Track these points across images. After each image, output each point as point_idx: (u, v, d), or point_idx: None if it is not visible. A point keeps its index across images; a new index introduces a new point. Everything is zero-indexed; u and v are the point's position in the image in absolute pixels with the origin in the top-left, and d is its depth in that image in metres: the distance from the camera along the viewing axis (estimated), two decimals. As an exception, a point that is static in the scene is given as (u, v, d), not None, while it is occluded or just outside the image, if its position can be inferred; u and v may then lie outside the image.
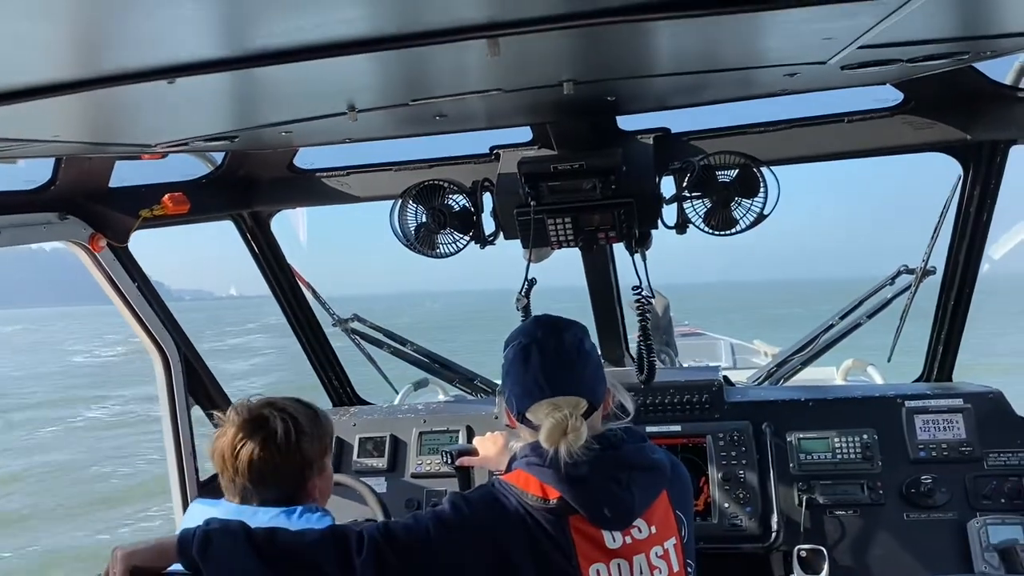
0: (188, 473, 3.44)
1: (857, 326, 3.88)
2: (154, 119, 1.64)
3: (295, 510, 2.31)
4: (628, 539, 2.12)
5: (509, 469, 2.26)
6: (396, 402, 4.68)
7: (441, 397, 4.94)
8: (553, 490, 2.09)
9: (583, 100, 2.39)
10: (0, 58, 1.13)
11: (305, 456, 2.33)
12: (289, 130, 2.19)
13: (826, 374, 5.18)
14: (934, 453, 3.27)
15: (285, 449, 2.28)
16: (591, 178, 2.84)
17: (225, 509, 2.29)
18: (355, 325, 4.27)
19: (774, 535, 3.19)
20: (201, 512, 2.23)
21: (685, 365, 5.82)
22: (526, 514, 2.08)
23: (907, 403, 3.37)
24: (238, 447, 2.26)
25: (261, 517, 2.18)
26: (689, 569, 2.26)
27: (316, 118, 1.84)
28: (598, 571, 2.08)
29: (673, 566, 2.19)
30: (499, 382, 4.05)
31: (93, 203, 2.87)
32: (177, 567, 2.04)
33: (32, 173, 2.70)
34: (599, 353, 2.27)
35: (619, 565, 2.10)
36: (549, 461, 2.09)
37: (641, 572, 2.12)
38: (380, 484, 3.60)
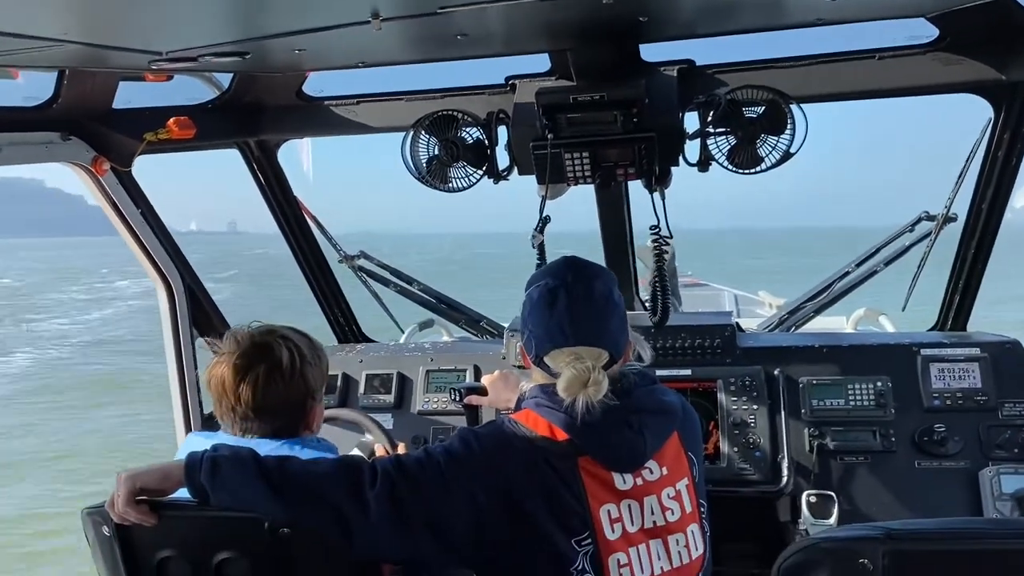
0: (192, 406, 3.41)
1: (873, 273, 3.82)
2: (164, 20, 1.54)
3: (298, 441, 2.27)
4: (639, 480, 2.10)
5: (518, 408, 2.22)
6: (401, 341, 4.65)
7: (446, 338, 4.90)
8: (561, 431, 2.05)
9: (609, 21, 2.29)
10: None
11: (308, 384, 2.28)
12: (303, 47, 2.09)
13: (836, 323, 5.13)
14: (948, 402, 3.23)
15: (290, 377, 2.23)
16: (612, 110, 2.75)
17: (225, 439, 2.24)
18: (362, 262, 4.21)
19: (784, 480, 3.17)
20: (198, 443, 2.18)
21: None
22: (535, 452, 2.05)
23: (923, 351, 3.32)
24: (241, 375, 2.20)
25: (264, 448, 2.13)
26: (702, 509, 2.24)
27: (336, 27, 1.74)
28: (608, 512, 2.06)
29: (686, 506, 2.17)
30: (505, 324, 4.03)
31: (96, 124, 2.77)
32: (182, 493, 2.01)
33: (33, 90, 2.60)
34: (624, 303, 2.21)
35: (629, 506, 2.08)
36: (565, 409, 2.04)
37: (652, 512, 2.10)
38: (387, 420, 3.58)
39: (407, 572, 2.15)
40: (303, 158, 4.35)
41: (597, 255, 3.54)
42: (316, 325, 3.14)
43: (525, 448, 2.05)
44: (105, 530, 2.02)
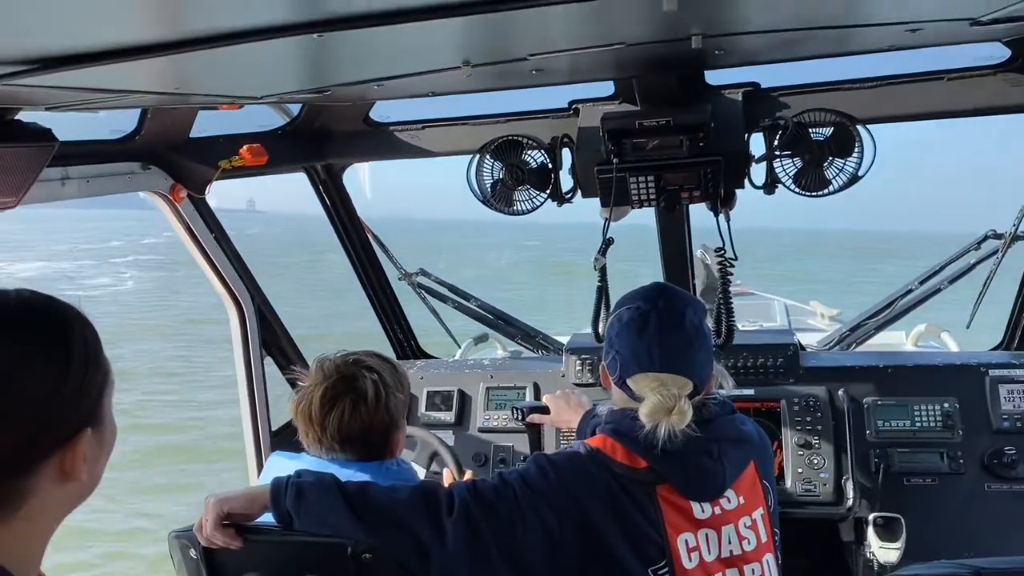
0: (262, 423, 3.49)
1: (937, 291, 3.77)
2: (261, 70, 1.61)
3: (380, 464, 2.31)
4: (717, 509, 2.10)
5: (592, 432, 2.24)
6: (457, 356, 4.69)
7: (500, 352, 4.93)
8: (640, 459, 2.07)
9: (676, 54, 2.31)
10: (100, 17, 1.10)
11: (392, 415, 2.31)
12: (382, 84, 2.14)
13: (895, 338, 5.06)
14: (1019, 423, 3.18)
15: (375, 410, 2.26)
16: (678, 135, 2.76)
17: (308, 462, 2.30)
18: (420, 279, 4.26)
19: (849, 501, 3.14)
20: (281, 465, 2.24)
21: (741, 327, 5.71)
22: (612, 480, 2.06)
23: (991, 372, 3.27)
24: (327, 408, 2.24)
25: (345, 473, 2.18)
26: (776, 539, 2.24)
27: (426, 73, 1.79)
28: (686, 541, 2.06)
29: (761, 536, 2.17)
30: (563, 340, 4.06)
31: (174, 154, 2.86)
32: (267, 518, 2.07)
33: (117, 124, 2.69)
34: (711, 336, 2.22)
35: (707, 535, 2.08)
36: (645, 435, 2.05)
37: (729, 542, 2.10)
38: (447, 437, 3.62)
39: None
40: (363, 181, 4.42)
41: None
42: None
43: (602, 475, 2.06)
44: (192, 553, 2.09)
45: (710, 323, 3.06)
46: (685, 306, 2.15)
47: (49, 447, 1.04)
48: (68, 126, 2.54)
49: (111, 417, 1.15)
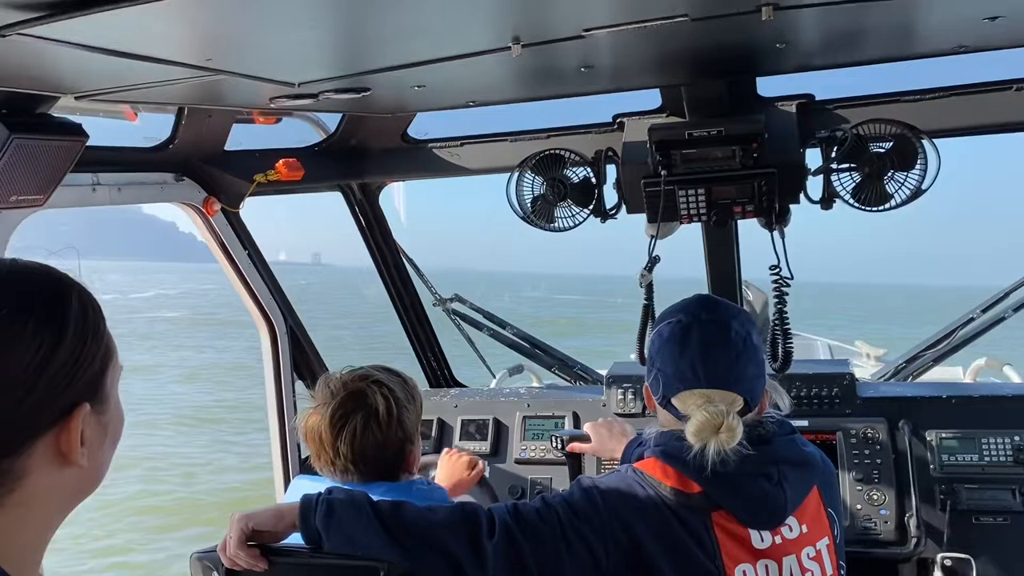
0: (291, 448, 3.37)
1: (1000, 320, 3.58)
2: (301, 50, 1.52)
3: (410, 484, 2.18)
4: (778, 539, 1.93)
5: (640, 456, 2.08)
6: (492, 386, 4.55)
7: (535, 384, 4.78)
8: (693, 483, 1.91)
9: (726, 49, 2.20)
10: None
11: (406, 430, 2.20)
12: (423, 82, 2.05)
13: (952, 374, 4.83)
14: None
15: (387, 425, 2.15)
16: (730, 145, 2.64)
17: (333, 484, 2.18)
18: (455, 306, 4.16)
19: (914, 541, 2.93)
20: (304, 488, 2.12)
21: None
22: (663, 506, 1.91)
23: None
24: (338, 428, 2.13)
25: (376, 492, 2.05)
26: (842, 572, 2.06)
27: (474, 54, 1.69)
28: (744, 572, 1.90)
29: (827, 568, 1.99)
30: (603, 372, 3.91)
31: (208, 166, 2.80)
32: (295, 538, 1.94)
33: (149, 132, 2.64)
34: (764, 350, 2.07)
35: (767, 566, 1.92)
36: (693, 456, 1.90)
37: (791, 574, 1.93)
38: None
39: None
40: (398, 206, 4.35)
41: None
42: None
43: (652, 501, 1.91)
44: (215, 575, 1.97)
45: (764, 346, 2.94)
46: (731, 317, 2.01)
47: (42, 423, 0.94)
48: (102, 133, 2.49)
49: (116, 401, 1.05)
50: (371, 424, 2.13)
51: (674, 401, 1.99)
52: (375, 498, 1.96)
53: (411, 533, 1.86)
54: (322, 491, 1.96)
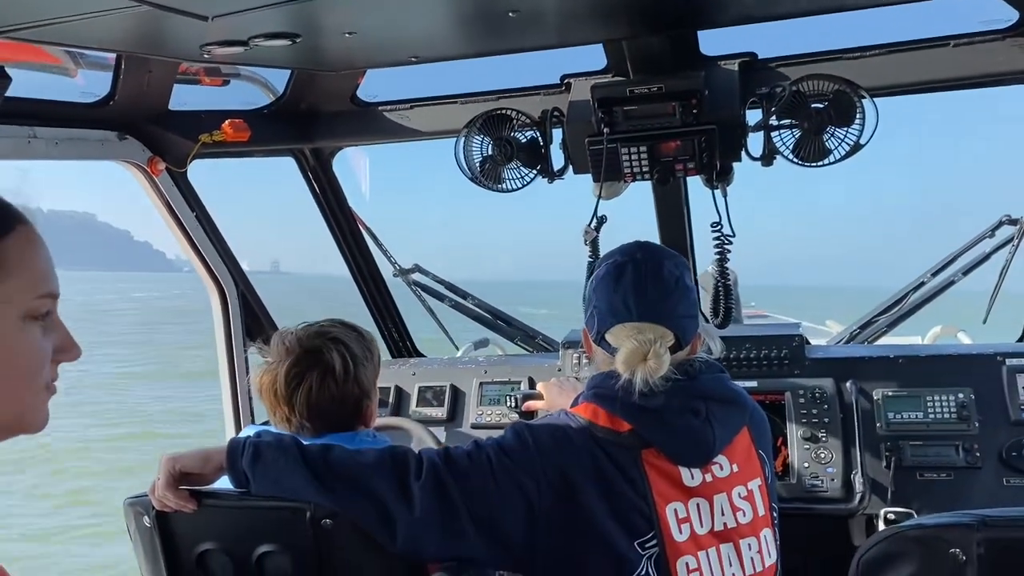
0: (243, 415, 3.36)
1: (951, 284, 3.61)
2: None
3: (354, 435, 2.20)
4: (708, 476, 1.95)
5: (576, 403, 2.11)
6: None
7: (500, 354, 4.79)
8: (623, 422, 1.93)
9: (666, 7, 2.21)
10: None
11: (363, 386, 2.21)
12: (353, 28, 2.05)
13: (911, 343, 4.87)
14: None
15: (343, 382, 2.15)
16: (670, 101, 2.66)
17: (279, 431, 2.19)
18: (416, 276, 4.15)
19: (858, 497, 2.96)
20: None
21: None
22: (595, 446, 1.92)
23: (1008, 361, 3.09)
24: (294, 385, 2.14)
25: (318, 441, 2.07)
26: (775, 514, 2.08)
27: None
28: (675, 511, 1.91)
29: (759, 508, 2.01)
30: (560, 338, 3.92)
31: (152, 125, 2.79)
32: (224, 483, 1.94)
33: (91, 89, 2.63)
34: (698, 295, 2.10)
35: (698, 505, 1.93)
36: (621, 387, 1.93)
37: (723, 513, 1.95)
38: (439, 434, 3.49)
39: (454, 572, 2.03)
40: (361, 179, 4.34)
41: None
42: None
43: (583, 440, 1.93)
44: (146, 520, 1.97)
45: (706, 304, 2.96)
46: (664, 258, 2.04)
47: None
48: (37, 89, 2.49)
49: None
50: (328, 381, 2.14)
51: (607, 337, 2.01)
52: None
53: (337, 475, 1.87)
54: (251, 434, 1.97)
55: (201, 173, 3.07)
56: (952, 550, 1.45)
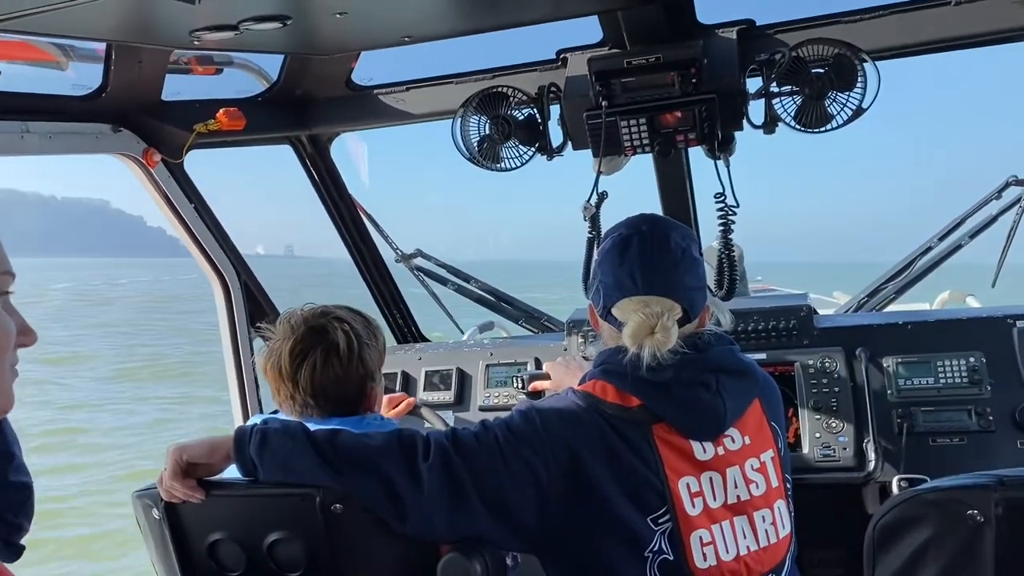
0: (251, 404, 3.35)
1: (958, 247, 3.57)
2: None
3: (361, 419, 2.19)
4: (720, 450, 1.93)
5: (583, 381, 2.09)
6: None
7: (505, 336, 4.78)
8: (633, 397, 1.91)
9: None
10: None
11: (367, 367, 2.20)
12: (343, 8, 2.02)
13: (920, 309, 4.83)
14: None
15: (347, 361, 2.15)
16: (669, 71, 2.62)
17: (285, 418, 2.18)
18: (419, 261, 4.13)
19: (871, 464, 2.95)
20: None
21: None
22: (604, 423, 1.90)
23: (1018, 323, 3.06)
24: (298, 362, 2.13)
25: (324, 426, 2.06)
26: (788, 485, 2.06)
27: None
28: (688, 485, 1.89)
29: (772, 480, 1.99)
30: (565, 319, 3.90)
31: (146, 116, 2.77)
32: (232, 472, 1.93)
33: (80, 80, 2.60)
34: (704, 267, 2.07)
35: (711, 478, 1.91)
36: (629, 362, 1.90)
37: (736, 486, 1.93)
38: (447, 417, 3.48)
39: (466, 553, 2.02)
40: (360, 167, 4.32)
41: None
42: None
43: (592, 417, 1.91)
44: (155, 513, 1.97)
45: (710, 276, 2.93)
46: (671, 230, 2.01)
47: None
48: (27, 82, 2.46)
49: None
50: (332, 359, 2.13)
51: (614, 311, 1.99)
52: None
53: (345, 458, 1.86)
54: (258, 423, 1.96)
55: (210, 163, 3.06)
56: (970, 511, 1.43)
